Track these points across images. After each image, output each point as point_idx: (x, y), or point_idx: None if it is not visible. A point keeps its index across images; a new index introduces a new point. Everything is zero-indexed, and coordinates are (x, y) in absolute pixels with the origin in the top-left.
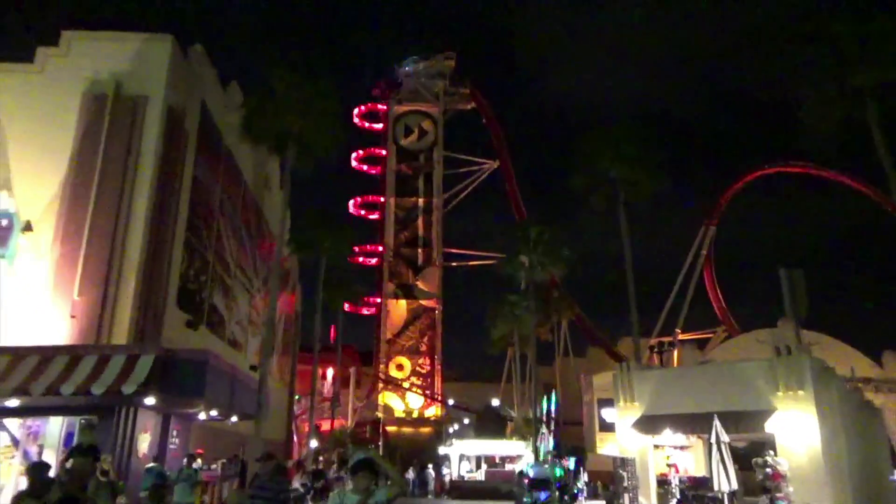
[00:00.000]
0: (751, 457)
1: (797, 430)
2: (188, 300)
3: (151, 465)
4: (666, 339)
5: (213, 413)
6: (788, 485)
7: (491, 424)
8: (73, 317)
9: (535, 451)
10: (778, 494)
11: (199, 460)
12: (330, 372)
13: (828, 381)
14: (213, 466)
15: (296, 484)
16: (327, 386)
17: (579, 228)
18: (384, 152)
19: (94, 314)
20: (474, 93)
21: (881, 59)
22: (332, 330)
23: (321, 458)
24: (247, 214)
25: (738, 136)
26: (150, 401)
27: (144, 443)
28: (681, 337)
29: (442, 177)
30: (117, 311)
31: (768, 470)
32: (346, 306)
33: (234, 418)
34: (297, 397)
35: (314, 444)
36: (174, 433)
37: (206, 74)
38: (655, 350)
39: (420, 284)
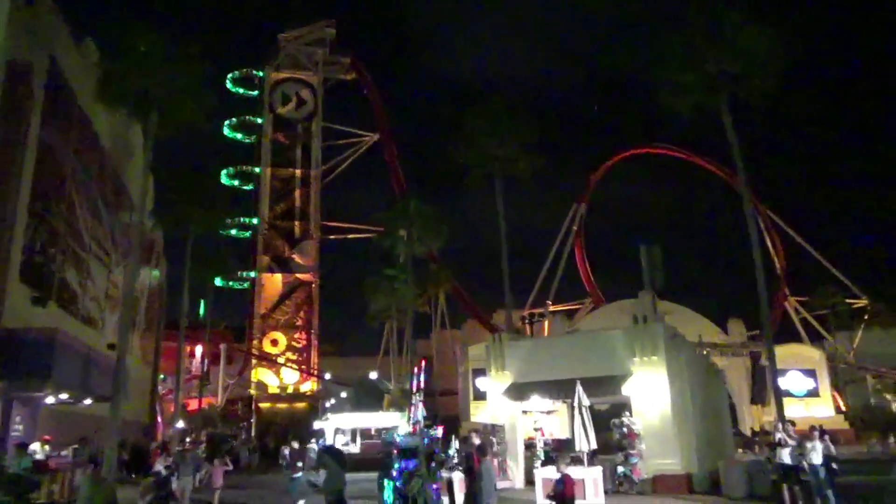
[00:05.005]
0: (611, 418)
1: (650, 392)
2: (34, 274)
3: None
4: (537, 311)
5: (64, 396)
6: (641, 442)
7: (368, 398)
8: None
9: (409, 421)
10: (632, 451)
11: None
12: (199, 349)
13: (678, 347)
14: (64, 453)
15: (159, 466)
16: (196, 364)
17: (461, 203)
18: (260, 120)
19: None
20: (355, 63)
21: (732, 49)
22: (202, 305)
23: (188, 439)
24: (104, 183)
25: (612, 118)
26: None
27: None
28: (551, 308)
29: (321, 148)
30: None
31: (624, 429)
32: (218, 281)
33: (89, 401)
34: (161, 377)
35: (181, 424)
36: (17, 419)
37: (56, 28)
38: (527, 321)
39: (296, 258)
